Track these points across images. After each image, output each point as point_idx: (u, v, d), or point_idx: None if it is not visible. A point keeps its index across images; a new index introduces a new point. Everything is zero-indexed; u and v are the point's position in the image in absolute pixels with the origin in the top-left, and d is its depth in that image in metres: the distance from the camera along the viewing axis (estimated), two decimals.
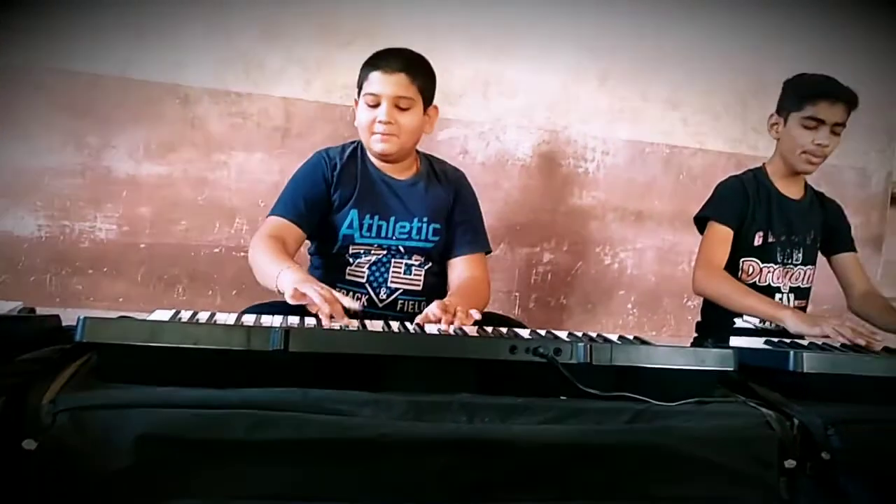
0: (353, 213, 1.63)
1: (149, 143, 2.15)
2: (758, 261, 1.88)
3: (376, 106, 1.59)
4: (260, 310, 1.31)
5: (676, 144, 2.60)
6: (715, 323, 1.93)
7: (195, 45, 2.15)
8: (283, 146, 2.24)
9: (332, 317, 1.20)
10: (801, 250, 1.92)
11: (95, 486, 0.88)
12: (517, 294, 2.49)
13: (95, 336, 0.99)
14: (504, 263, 2.45)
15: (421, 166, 1.74)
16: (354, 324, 1.22)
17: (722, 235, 1.85)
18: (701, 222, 1.92)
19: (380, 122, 1.58)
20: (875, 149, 2.79)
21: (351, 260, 1.64)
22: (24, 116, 2.06)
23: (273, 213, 1.62)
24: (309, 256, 1.77)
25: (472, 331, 1.24)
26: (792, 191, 1.94)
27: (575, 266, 2.55)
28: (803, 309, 1.94)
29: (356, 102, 1.66)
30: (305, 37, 2.23)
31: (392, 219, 1.66)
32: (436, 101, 1.70)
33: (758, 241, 1.88)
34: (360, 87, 1.64)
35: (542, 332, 1.25)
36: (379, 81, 1.58)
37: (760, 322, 1.86)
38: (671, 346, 1.18)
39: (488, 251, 1.77)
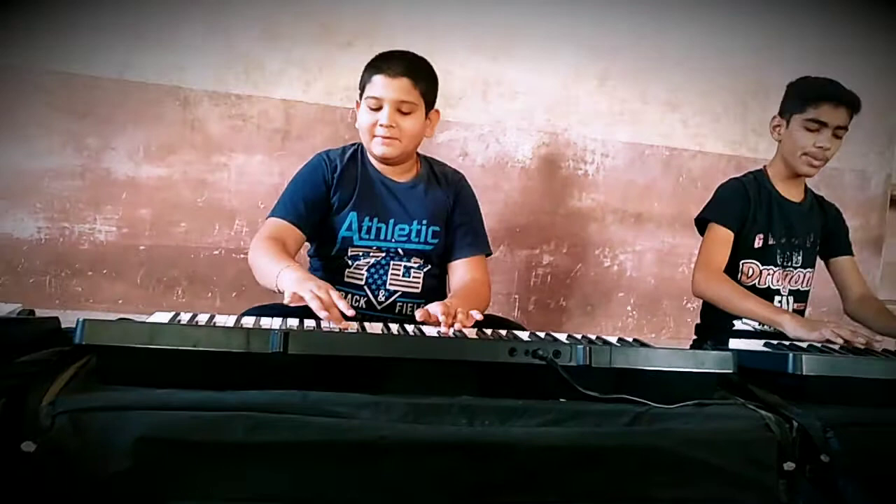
0: (353, 216, 1.63)
1: (149, 144, 2.15)
2: (758, 263, 1.88)
3: (378, 109, 1.59)
4: (259, 312, 1.31)
5: (676, 146, 2.60)
6: (714, 325, 1.93)
7: (195, 47, 2.15)
8: (283, 148, 2.24)
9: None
10: (801, 253, 1.92)
11: (94, 489, 0.88)
12: (517, 296, 2.49)
13: (95, 338, 0.99)
14: (504, 265, 2.45)
15: (421, 169, 1.74)
16: (354, 326, 1.22)
17: (722, 237, 1.85)
18: (701, 224, 1.92)
19: (381, 125, 1.58)
20: (874, 151, 2.79)
21: (350, 262, 1.64)
22: (23, 118, 2.06)
23: (273, 214, 1.62)
24: (308, 258, 1.77)
25: (471, 333, 1.24)
26: (792, 193, 1.94)
27: (574, 268, 2.55)
28: (802, 312, 1.94)
29: (357, 104, 1.66)
30: (305, 39, 2.23)
31: (391, 221, 1.66)
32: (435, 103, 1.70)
33: (758, 243, 1.88)
34: (362, 90, 1.63)
35: (542, 335, 1.26)
36: (381, 85, 1.58)
37: (759, 324, 1.86)
38: (670, 348, 1.18)
39: (488, 253, 1.77)
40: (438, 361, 1.07)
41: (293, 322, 1.19)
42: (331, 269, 1.66)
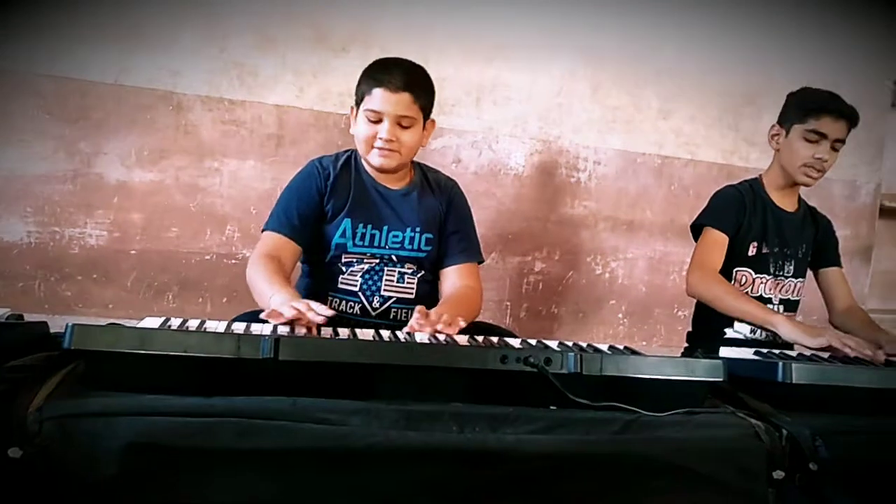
0: (347, 223, 1.63)
1: (141, 149, 2.15)
2: (751, 271, 1.89)
3: (378, 122, 1.58)
4: (250, 318, 1.30)
5: (668, 155, 2.61)
6: (705, 333, 1.94)
7: (188, 52, 2.15)
8: (276, 154, 2.24)
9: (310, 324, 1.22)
10: (793, 263, 1.93)
11: (82, 495, 0.88)
12: (508, 303, 2.50)
13: (84, 343, 0.98)
14: (495, 272, 2.46)
15: (414, 176, 1.74)
16: (345, 333, 1.22)
17: (718, 240, 1.85)
18: (696, 231, 1.93)
19: (381, 138, 1.58)
20: (864, 161, 2.82)
21: (344, 268, 1.64)
22: (15, 122, 2.06)
23: (268, 227, 1.62)
24: (301, 264, 1.76)
25: (462, 340, 1.24)
26: (786, 203, 1.95)
27: (566, 275, 2.56)
28: None
29: (352, 110, 1.66)
30: (299, 44, 2.23)
31: (385, 228, 1.66)
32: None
33: (752, 251, 1.89)
34: (360, 98, 1.62)
35: (533, 342, 1.26)
36: (382, 99, 1.57)
37: (751, 333, 1.87)
38: (661, 356, 1.18)
39: (481, 261, 1.77)
40: (429, 368, 1.06)
41: (284, 329, 1.19)
42: (325, 276, 1.66)
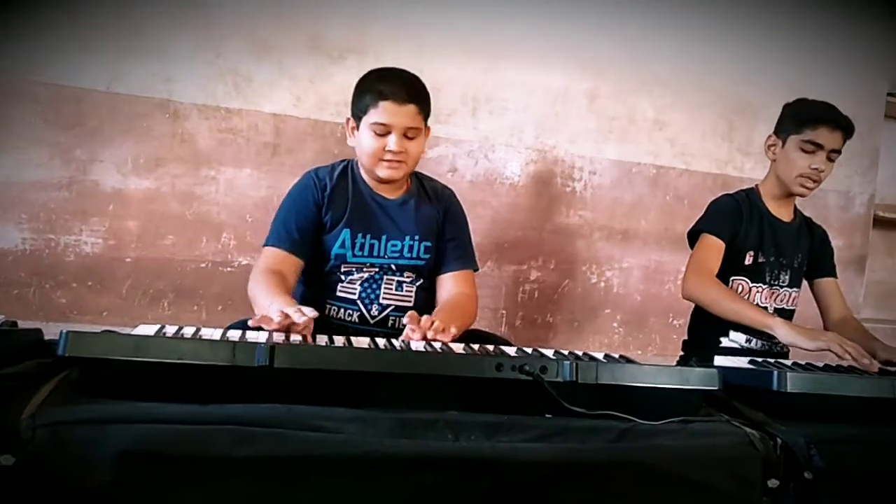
0: (346, 233, 1.63)
1: (137, 157, 2.14)
2: (747, 280, 1.90)
3: (385, 135, 1.58)
4: (245, 325, 1.30)
5: (663, 165, 2.62)
6: (701, 342, 1.94)
7: (185, 60, 2.15)
8: (271, 162, 2.24)
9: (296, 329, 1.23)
10: (789, 273, 1.94)
11: (75, 503, 0.87)
12: (504, 311, 2.50)
13: (78, 350, 0.98)
14: (491, 281, 2.46)
15: (411, 185, 1.75)
16: (340, 340, 1.22)
17: (715, 245, 1.85)
18: (693, 238, 1.93)
19: (390, 151, 1.58)
20: (858, 172, 2.84)
21: (343, 277, 1.64)
22: (10, 129, 2.05)
23: (268, 243, 1.62)
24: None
25: (458, 348, 1.24)
26: (783, 213, 1.96)
27: (562, 284, 2.56)
28: None
29: (348, 121, 1.66)
30: (296, 53, 2.24)
31: (384, 237, 1.66)
32: None
33: (748, 260, 1.89)
34: (362, 111, 1.60)
35: (529, 350, 1.26)
36: (390, 112, 1.56)
37: (746, 342, 1.87)
38: (656, 365, 1.19)
39: (475, 269, 1.78)
40: (425, 376, 1.06)
41: (279, 336, 1.18)
42: (323, 285, 1.65)
